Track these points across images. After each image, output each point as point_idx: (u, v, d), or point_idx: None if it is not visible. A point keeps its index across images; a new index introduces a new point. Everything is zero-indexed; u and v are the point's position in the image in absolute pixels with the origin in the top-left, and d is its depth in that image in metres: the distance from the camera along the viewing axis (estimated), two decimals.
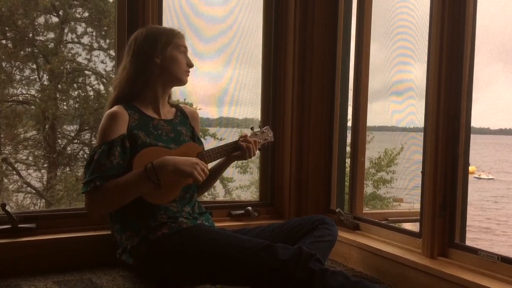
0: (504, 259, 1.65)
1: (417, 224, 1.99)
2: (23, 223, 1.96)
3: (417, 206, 2.03)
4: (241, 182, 5.89)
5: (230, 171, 5.56)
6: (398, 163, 8.01)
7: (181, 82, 1.85)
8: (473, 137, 1.90)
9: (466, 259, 1.77)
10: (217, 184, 5.45)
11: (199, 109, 4.92)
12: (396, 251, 1.97)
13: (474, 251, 1.75)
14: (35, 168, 4.82)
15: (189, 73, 1.87)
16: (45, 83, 4.83)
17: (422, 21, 1.98)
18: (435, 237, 1.86)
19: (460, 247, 1.82)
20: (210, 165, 1.89)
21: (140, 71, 1.77)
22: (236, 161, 2.06)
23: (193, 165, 1.66)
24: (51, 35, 4.86)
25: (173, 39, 1.81)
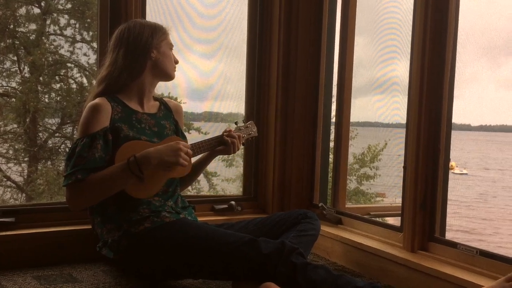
0: (482, 253, 1.68)
1: (399, 218, 2.01)
2: (2, 217, 1.93)
3: (398, 201, 2.06)
4: (226, 176, 5.88)
5: (215, 165, 5.54)
6: (381, 159, 8.09)
7: (171, 77, 1.87)
8: (454, 133, 1.92)
9: (445, 252, 1.80)
10: (202, 178, 5.43)
11: (184, 103, 4.88)
12: (378, 245, 2.00)
13: (453, 245, 1.78)
14: (15, 161, 4.73)
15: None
16: (26, 75, 4.74)
17: (408, 17, 2.00)
18: (416, 231, 1.88)
19: (440, 241, 1.85)
20: (194, 159, 1.88)
21: (135, 65, 1.76)
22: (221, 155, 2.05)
23: (176, 152, 1.64)
24: (33, 26, 4.76)
25: (167, 35, 1.84)
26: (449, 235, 1.89)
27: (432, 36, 1.84)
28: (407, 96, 1.97)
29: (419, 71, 1.87)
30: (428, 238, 1.88)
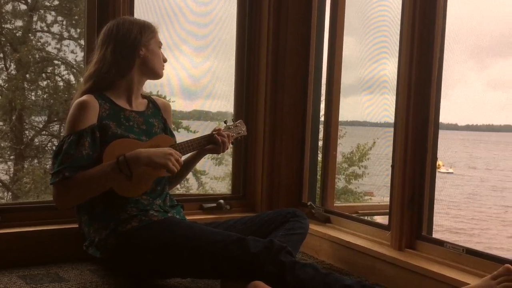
0: (469, 251, 1.70)
1: (387, 217, 2.02)
2: None
3: (386, 200, 2.07)
4: (216, 174, 5.86)
5: (204, 164, 5.52)
6: (369, 158, 8.13)
7: (159, 76, 1.86)
8: (441, 133, 1.94)
9: (432, 251, 1.81)
10: (191, 176, 5.41)
11: (172, 101, 4.85)
12: (366, 244, 2.01)
13: (440, 243, 1.80)
14: (1, 160, 4.67)
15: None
16: (13, 72, 4.68)
17: (397, 16, 2.01)
18: (403, 229, 1.90)
19: (427, 240, 1.86)
20: (182, 158, 1.87)
21: (123, 62, 1.75)
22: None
23: (167, 156, 1.64)
24: (19, 23, 4.70)
25: (155, 33, 1.82)
26: (438, 235, 1.91)
27: (420, 36, 1.86)
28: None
29: (407, 71, 1.88)
30: (415, 236, 1.89)
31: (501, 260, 1.58)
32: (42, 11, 4.78)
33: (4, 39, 4.62)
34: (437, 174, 1.93)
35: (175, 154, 1.66)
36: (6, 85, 4.62)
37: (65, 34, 4.80)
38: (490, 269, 1.55)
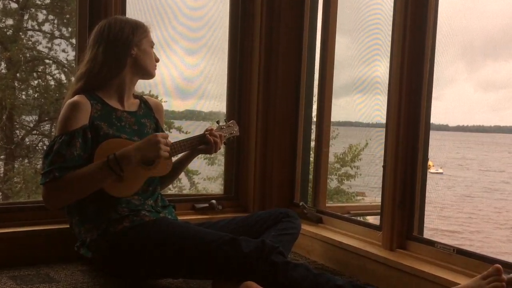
0: (459, 251, 1.71)
1: (379, 217, 2.03)
2: None
3: (378, 200, 2.08)
4: (208, 174, 5.85)
5: (197, 164, 5.51)
6: (362, 159, 8.16)
7: (151, 75, 1.85)
8: (432, 133, 1.95)
9: (423, 251, 1.83)
10: (183, 176, 5.40)
11: (164, 101, 4.84)
12: (357, 244, 2.01)
13: (431, 243, 1.81)
14: None
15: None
16: (3, 71, 4.64)
17: (390, 17, 2.02)
18: (395, 230, 1.91)
19: (418, 240, 1.87)
20: (174, 158, 1.87)
21: (115, 61, 1.74)
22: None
23: (156, 145, 1.63)
24: (10, 21, 4.66)
25: (148, 33, 1.82)
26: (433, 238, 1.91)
27: (412, 37, 1.87)
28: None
29: (398, 71, 1.89)
30: (406, 236, 1.91)
31: (491, 260, 1.60)
32: (33, 10, 4.74)
33: None
34: (429, 175, 1.94)
35: (162, 138, 1.65)
36: None
37: (57, 33, 4.77)
38: (481, 269, 1.56)
